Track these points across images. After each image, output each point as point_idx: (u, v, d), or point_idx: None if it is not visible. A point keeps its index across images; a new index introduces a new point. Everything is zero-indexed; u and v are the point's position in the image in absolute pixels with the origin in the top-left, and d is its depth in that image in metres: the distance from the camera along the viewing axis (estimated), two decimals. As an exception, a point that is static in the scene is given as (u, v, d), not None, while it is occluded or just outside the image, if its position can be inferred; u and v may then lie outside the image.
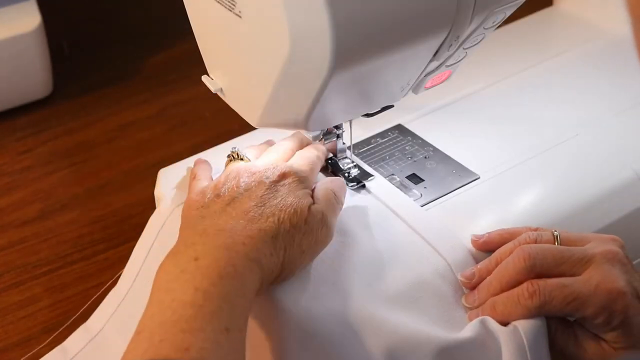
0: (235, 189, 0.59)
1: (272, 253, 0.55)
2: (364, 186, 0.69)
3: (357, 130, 0.71)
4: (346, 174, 0.70)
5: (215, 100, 0.67)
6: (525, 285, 0.56)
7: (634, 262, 0.69)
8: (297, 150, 0.66)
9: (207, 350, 0.48)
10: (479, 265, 0.60)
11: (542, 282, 0.56)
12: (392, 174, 0.71)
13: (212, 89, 0.64)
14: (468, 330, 0.57)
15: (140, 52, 1.07)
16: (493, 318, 0.57)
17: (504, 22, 0.61)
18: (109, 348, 0.67)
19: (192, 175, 0.65)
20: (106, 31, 1.12)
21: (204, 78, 0.64)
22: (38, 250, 0.79)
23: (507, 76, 0.83)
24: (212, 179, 0.65)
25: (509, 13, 0.60)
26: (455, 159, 0.72)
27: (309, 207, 0.58)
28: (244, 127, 0.68)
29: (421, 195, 0.68)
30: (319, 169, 0.66)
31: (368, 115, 0.65)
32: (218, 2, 0.56)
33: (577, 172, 0.71)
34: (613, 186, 0.70)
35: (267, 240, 0.55)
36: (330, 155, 0.71)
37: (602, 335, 0.57)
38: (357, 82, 0.56)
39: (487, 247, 0.61)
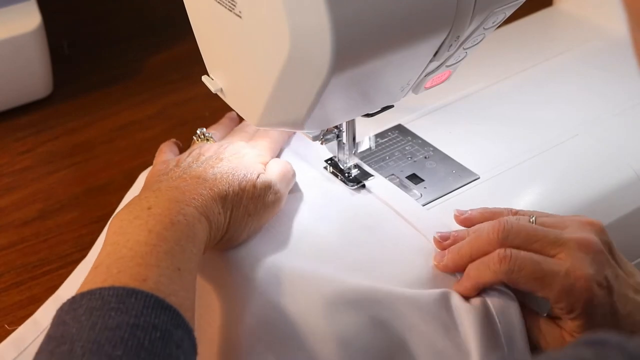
0: (195, 160, 0.63)
1: (219, 212, 0.59)
2: (364, 186, 0.69)
3: (357, 130, 0.71)
4: (346, 174, 0.70)
5: (215, 100, 0.67)
6: (498, 250, 0.57)
7: (634, 262, 0.70)
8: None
9: (163, 284, 0.51)
10: (456, 232, 0.62)
11: (515, 251, 0.57)
12: (392, 174, 0.71)
13: (212, 89, 0.64)
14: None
15: (140, 52, 1.07)
16: (466, 282, 0.58)
17: (504, 22, 0.61)
18: None
19: (159, 151, 0.70)
20: (106, 31, 1.12)
21: (204, 78, 0.65)
22: (38, 250, 0.78)
23: (507, 76, 0.83)
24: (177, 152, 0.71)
25: (509, 13, 0.60)
26: (455, 159, 0.72)
27: (259, 174, 0.63)
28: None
29: (421, 195, 0.68)
30: (278, 150, 0.72)
31: (368, 115, 0.65)
32: (218, 2, 0.56)
33: (577, 172, 0.71)
34: (613, 186, 0.70)
35: (216, 199, 0.59)
36: (331, 155, 0.71)
37: (563, 324, 0.57)
38: (357, 82, 0.56)
39: (468, 223, 0.63)
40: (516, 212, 0.62)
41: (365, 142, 0.72)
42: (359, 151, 0.72)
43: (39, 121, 0.95)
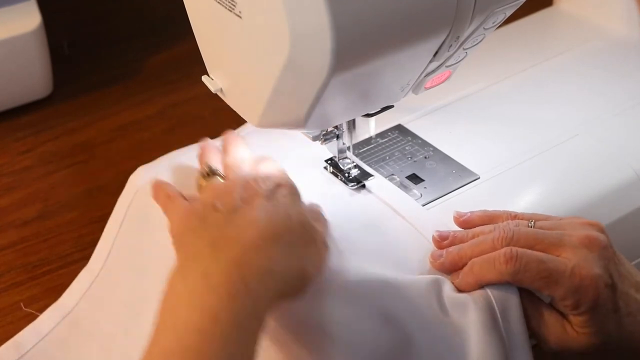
0: (232, 201, 0.55)
1: (286, 261, 0.53)
2: (364, 186, 0.69)
3: (357, 130, 0.71)
4: (346, 174, 0.70)
5: (215, 100, 0.67)
6: (504, 250, 0.56)
7: (633, 262, 0.70)
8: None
9: None
10: (455, 232, 0.61)
11: (521, 251, 0.56)
12: (392, 174, 0.71)
13: (212, 89, 0.64)
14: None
15: (140, 52, 1.07)
16: (469, 278, 0.58)
17: (504, 22, 0.61)
18: (83, 325, 0.68)
19: (163, 194, 0.62)
20: (106, 31, 1.12)
21: (204, 78, 0.64)
22: (38, 250, 0.79)
23: (507, 76, 0.83)
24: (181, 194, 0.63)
25: (509, 13, 0.60)
26: (455, 159, 0.72)
27: (309, 221, 0.57)
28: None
29: (421, 195, 0.68)
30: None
31: (368, 115, 0.65)
32: (218, 2, 0.56)
33: (577, 172, 0.71)
34: (613, 186, 0.70)
35: (280, 247, 0.53)
36: (331, 155, 0.71)
37: (569, 317, 0.57)
38: (357, 83, 0.56)
39: (467, 225, 0.63)
40: (515, 216, 0.62)
41: (372, 126, 0.72)
42: (360, 139, 0.72)
43: (39, 121, 0.95)
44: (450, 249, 0.60)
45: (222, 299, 0.49)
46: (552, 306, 0.58)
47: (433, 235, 0.62)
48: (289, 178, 0.61)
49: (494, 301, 0.56)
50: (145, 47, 1.08)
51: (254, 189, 0.56)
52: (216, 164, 0.65)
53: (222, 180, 0.62)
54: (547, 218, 0.61)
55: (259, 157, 0.65)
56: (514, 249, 0.56)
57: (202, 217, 0.55)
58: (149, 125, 0.95)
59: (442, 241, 0.61)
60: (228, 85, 0.63)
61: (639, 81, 0.81)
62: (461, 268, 0.59)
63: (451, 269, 0.60)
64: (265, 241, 0.52)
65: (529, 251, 0.56)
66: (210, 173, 0.63)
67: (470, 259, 0.58)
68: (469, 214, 0.63)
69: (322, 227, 0.60)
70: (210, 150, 0.67)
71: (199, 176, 0.63)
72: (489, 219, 0.62)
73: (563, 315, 0.57)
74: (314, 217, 0.60)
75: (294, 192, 0.59)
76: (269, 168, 0.63)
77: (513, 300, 0.57)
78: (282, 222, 0.54)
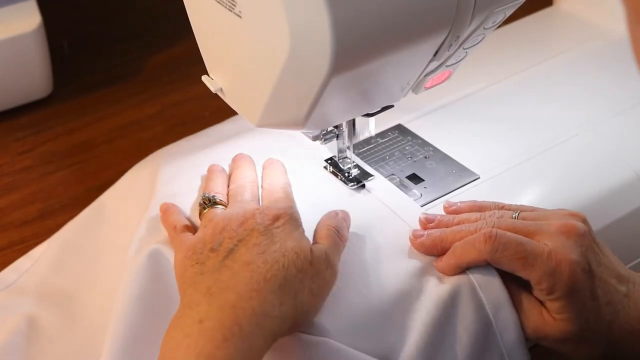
0: (228, 240, 0.57)
1: (282, 302, 0.53)
2: (364, 186, 0.69)
3: (357, 130, 0.71)
4: (346, 174, 0.70)
5: (215, 100, 0.67)
6: (483, 230, 0.58)
7: (633, 262, 0.70)
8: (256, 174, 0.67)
9: None
10: (442, 217, 0.63)
11: (501, 232, 0.57)
12: (392, 174, 0.71)
13: (212, 89, 0.64)
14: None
15: (140, 52, 1.07)
16: (451, 259, 0.59)
17: (504, 22, 0.61)
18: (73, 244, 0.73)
19: (169, 224, 0.64)
20: (106, 31, 1.12)
21: (204, 78, 0.64)
22: (38, 250, 0.79)
23: (507, 76, 0.83)
24: (187, 221, 0.64)
25: (509, 13, 0.60)
26: (455, 159, 0.72)
27: (311, 249, 0.57)
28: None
29: (421, 195, 0.68)
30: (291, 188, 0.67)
31: (368, 115, 0.65)
32: (218, 2, 0.56)
33: (577, 172, 0.71)
34: (613, 186, 0.70)
35: (274, 289, 0.53)
36: (331, 155, 0.71)
37: (545, 303, 0.57)
38: (357, 82, 0.56)
39: (456, 214, 0.64)
40: (502, 207, 0.63)
41: (372, 126, 0.72)
42: (360, 139, 0.72)
43: (39, 121, 0.95)
44: (432, 231, 0.61)
45: (216, 343, 0.49)
46: (530, 293, 0.59)
47: (420, 217, 0.63)
48: (289, 205, 0.62)
49: (475, 283, 0.58)
50: (145, 47, 1.08)
51: (251, 225, 0.58)
52: (221, 187, 0.66)
53: (221, 208, 0.63)
54: (533, 209, 0.62)
55: (267, 162, 0.68)
56: (494, 230, 0.57)
57: (200, 260, 0.56)
58: (149, 125, 0.95)
59: (428, 224, 0.63)
60: (228, 85, 0.63)
61: (639, 81, 0.81)
62: (442, 253, 0.60)
63: (430, 250, 0.61)
64: (259, 284, 0.53)
65: (508, 233, 0.58)
66: (209, 202, 0.63)
67: (452, 243, 0.59)
68: (458, 203, 0.64)
69: (333, 247, 0.59)
70: (216, 175, 0.68)
71: (199, 205, 0.64)
72: (478, 208, 0.64)
73: (541, 303, 0.58)
74: (328, 235, 0.60)
75: (292, 221, 0.59)
76: (273, 184, 0.65)
77: (496, 282, 0.58)
78: (277, 262, 0.55)
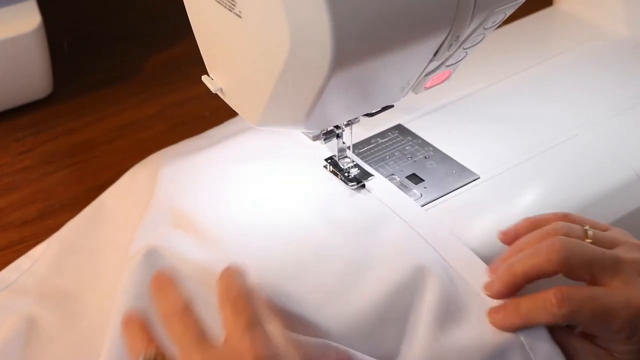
0: None
1: None
2: (364, 186, 0.69)
3: (357, 130, 0.71)
4: (346, 174, 0.70)
5: (214, 100, 0.67)
6: (553, 291, 0.54)
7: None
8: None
9: None
10: (517, 226, 0.59)
11: (572, 291, 0.54)
12: (392, 174, 0.71)
13: (212, 88, 0.64)
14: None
15: (140, 52, 1.07)
16: (514, 319, 0.55)
17: (504, 22, 0.61)
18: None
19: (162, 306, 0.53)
20: (106, 31, 1.12)
21: (204, 78, 0.64)
22: (38, 250, 0.78)
23: (507, 76, 0.83)
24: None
25: (509, 13, 0.60)
26: (455, 159, 0.72)
27: None
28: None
29: (421, 195, 0.68)
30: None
31: (368, 115, 0.65)
32: (218, 2, 0.56)
33: (577, 172, 0.71)
34: (613, 186, 0.70)
35: None
36: (331, 154, 0.71)
37: (613, 347, 0.55)
38: (357, 82, 0.56)
39: (516, 238, 0.60)
40: (565, 216, 0.59)
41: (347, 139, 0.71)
42: (360, 139, 0.72)
43: (39, 121, 0.95)
44: (500, 269, 0.57)
45: None
46: (583, 337, 0.56)
47: (498, 236, 0.59)
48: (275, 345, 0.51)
49: (526, 346, 0.55)
50: (145, 47, 1.08)
51: None
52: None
53: None
54: (596, 224, 0.59)
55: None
56: (565, 289, 0.54)
57: None
58: (149, 125, 0.95)
59: (508, 237, 0.59)
60: (228, 85, 0.63)
61: (639, 81, 0.81)
62: (518, 289, 0.56)
63: (508, 293, 0.56)
64: None
65: (580, 289, 0.54)
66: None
67: (525, 275, 0.55)
68: (513, 228, 0.60)
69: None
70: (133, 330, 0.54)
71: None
72: (536, 223, 0.59)
73: (598, 343, 0.56)
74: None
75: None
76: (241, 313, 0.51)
77: (545, 336, 0.55)
78: None
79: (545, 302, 0.54)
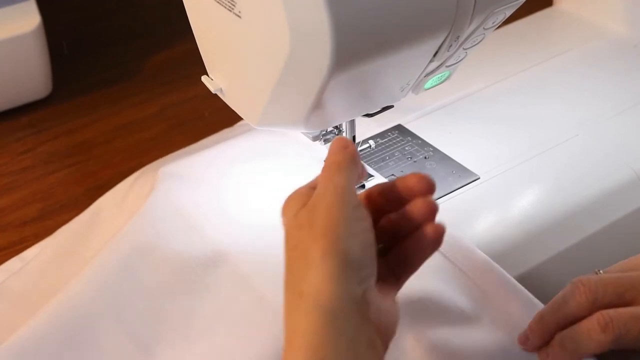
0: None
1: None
2: (363, 186, 0.69)
3: (357, 130, 0.71)
4: (346, 174, 0.69)
5: (214, 100, 0.67)
6: (595, 317, 0.52)
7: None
8: None
9: None
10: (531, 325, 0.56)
11: (614, 314, 0.52)
12: (392, 174, 0.71)
13: (212, 89, 0.64)
14: None
15: (140, 52, 1.07)
16: (561, 356, 0.53)
17: (504, 22, 0.61)
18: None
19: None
20: (106, 31, 1.12)
21: (204, 78, 0.64)
22: (38, 251, 0.78)
23: (507, 76, 0.83)
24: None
25: (509, 13, 0.60)
26: (455, 159, 0.72)
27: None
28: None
29: (421, 195, 0.68)
30: None
31: (368, 115, 0.65)
32: (218, 2, 0.56)
33: (577, 172, 0.71)
34: (613, 186, 0.70)
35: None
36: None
37: None
38: (357, 83, 0.56)
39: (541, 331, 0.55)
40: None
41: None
42: (360, 139, 0.72)
43: (39, 121, 0.95)
44: (531, 322, 0.55)
45: None
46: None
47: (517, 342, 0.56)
48: None
49: None
50: (145, 47, 1.08)
51: None
52: None
53: None
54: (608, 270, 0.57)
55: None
56: (606, 313, 0.52)
57: None
58: (148, 125, 0.95)
59: (525, 341, 0.55)
60: (228, 85, 0.63)
61: (639, 81, 0.81)
62: (550, 339, 0.54)
63: (543, 344, 0.54)
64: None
65: (621, 310, 0.52)
66: None
67: (556, 326, 0.53)
68: (527, 330, 0.55)
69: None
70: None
71: None
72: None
73: None
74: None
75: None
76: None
77: None
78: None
79: (589, 332, 0.52)
